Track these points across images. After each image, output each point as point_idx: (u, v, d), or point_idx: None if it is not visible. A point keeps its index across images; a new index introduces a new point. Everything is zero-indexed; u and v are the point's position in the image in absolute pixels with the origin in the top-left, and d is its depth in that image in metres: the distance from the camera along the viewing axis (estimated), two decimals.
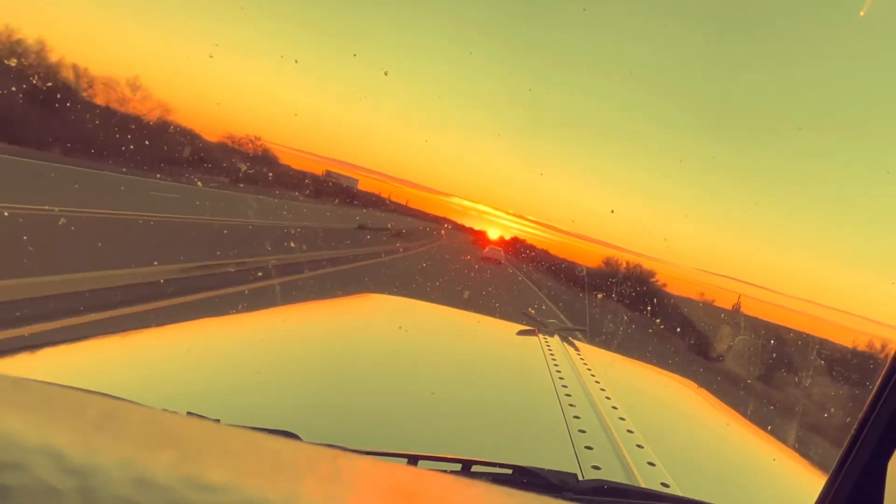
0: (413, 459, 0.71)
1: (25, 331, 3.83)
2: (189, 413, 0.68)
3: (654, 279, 30.98)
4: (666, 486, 0.88)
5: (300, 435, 0.67)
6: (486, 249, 32.95)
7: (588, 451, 0.96)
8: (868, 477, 0.65)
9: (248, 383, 1.05)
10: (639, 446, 1.03)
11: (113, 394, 0.70)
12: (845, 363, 16.31)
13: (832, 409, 11.78)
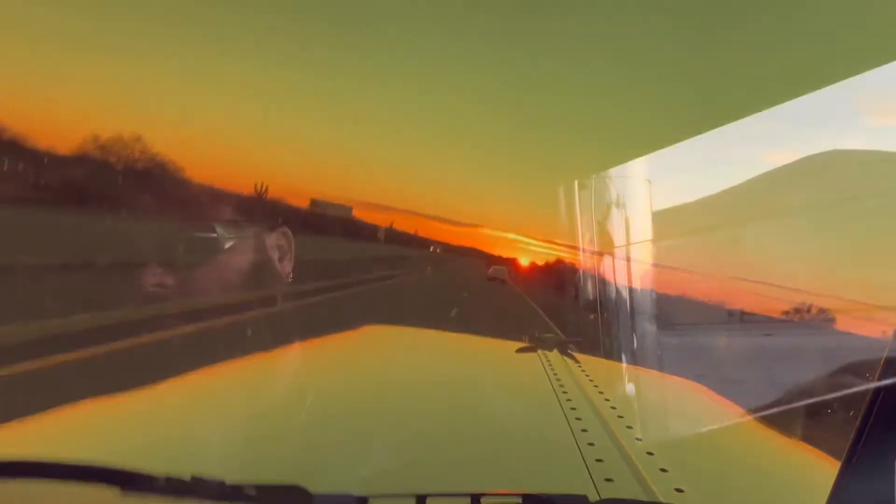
0: (421, 499, 0.71)
1: None
2: (193, 476, 0.67)
3: None
4: (680, 490, 0.87)
5: (306, 485, 0.68)
6: (491, 269, 32.63)
7: (599, 463, 0.95)
8: (877, 468, 0.65)
9: (248, 436, 1.04)
10: (649, 453, 1.02)
11: (111, 459, 0.69)
12: (848, 352, 16.28)
13: (837, 402, 11.71)
